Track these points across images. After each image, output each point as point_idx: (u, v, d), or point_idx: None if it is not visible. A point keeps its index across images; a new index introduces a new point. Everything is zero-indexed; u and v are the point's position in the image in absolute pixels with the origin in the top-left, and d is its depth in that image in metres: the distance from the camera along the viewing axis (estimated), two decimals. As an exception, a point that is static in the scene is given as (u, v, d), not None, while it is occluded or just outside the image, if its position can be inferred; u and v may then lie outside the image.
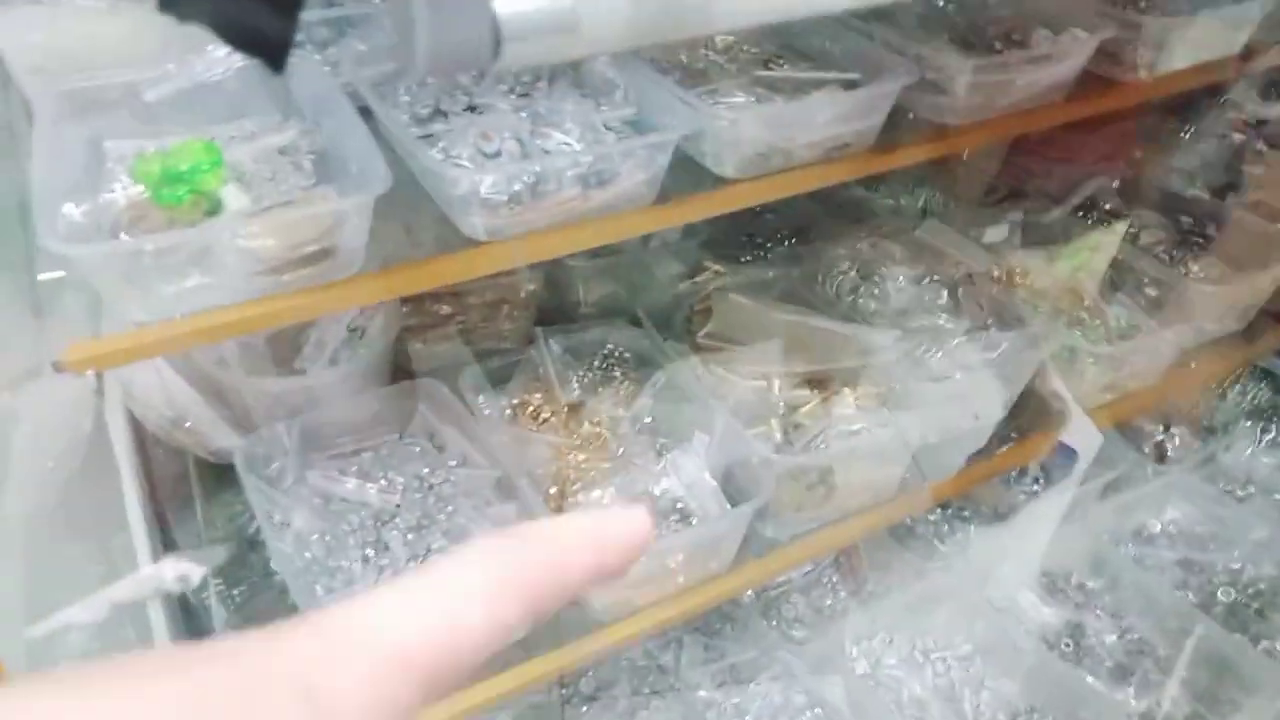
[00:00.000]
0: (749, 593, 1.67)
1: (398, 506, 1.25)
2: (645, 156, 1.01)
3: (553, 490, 1.27)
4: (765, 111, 1.06)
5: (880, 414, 1.35)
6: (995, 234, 1.79)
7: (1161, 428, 2.01)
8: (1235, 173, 2.06)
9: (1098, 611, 1.68)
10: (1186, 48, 1.35)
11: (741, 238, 1.76)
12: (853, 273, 1.52)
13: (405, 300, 1.47)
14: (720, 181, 1.09)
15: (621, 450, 1.34)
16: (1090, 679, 1.54)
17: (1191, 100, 2.17)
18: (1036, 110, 1.27)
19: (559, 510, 1.24)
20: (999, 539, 1.77)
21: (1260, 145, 2.04)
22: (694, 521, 1.23)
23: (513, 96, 1.07)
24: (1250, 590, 1.69)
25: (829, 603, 1.68)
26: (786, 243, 1.69)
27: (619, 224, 1.02)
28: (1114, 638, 1.63)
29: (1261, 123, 2.06)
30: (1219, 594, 1.68)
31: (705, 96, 1.10)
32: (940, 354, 1.44)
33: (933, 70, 1.19)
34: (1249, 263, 1.74)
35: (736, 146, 1.07)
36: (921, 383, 1.38)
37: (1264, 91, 2.05)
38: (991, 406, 1.50)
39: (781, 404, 1.35)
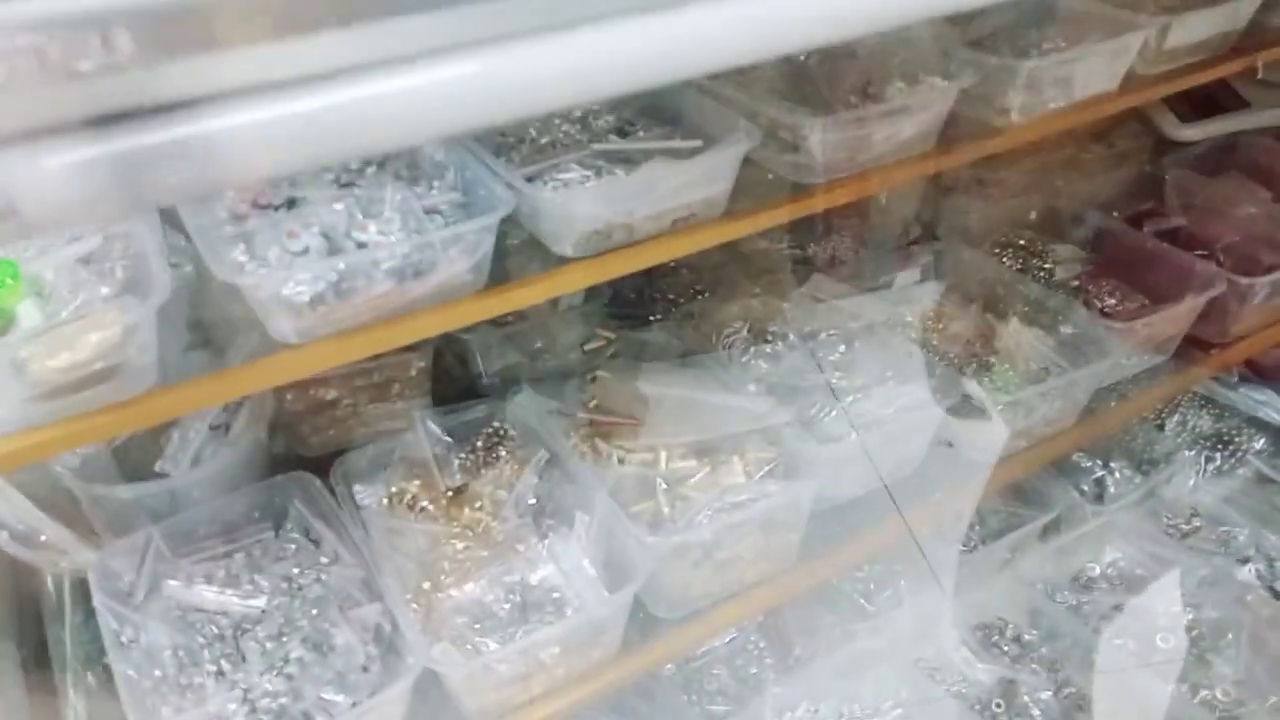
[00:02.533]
0: (669, 666, 1.60)
1: (262, 612, 1.19)
2: (469, 243, 0.97)
3: (425, 585, 1.22)
4: (595, 187, 1.01)
5: (767, 483, 1.29)
6: (906, 278, 1.75)
7: (1099, 464, 1.95)
8: (1156, 200, 2.02)
9: (1034, 666, 1.61)
10: (1058, 88, 1.32)
11: (650, 295, 1.72)
12: (744, 332, 1.47)
13: (289, 387, 1.43)
14: (560, 261, 1.05)
15: (503, 536, 1.28)
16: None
17: (1113, 127, 2.15)
18: (905, 161, 1.23)
19: (427, 608, 1.18)
20: (931, 595, 1.70)
21: (1178, 170, 2.01)
22: (569, 612, 1.17)
23: (335, 186, 1.03)
24: (1191, 634, 1.62)
25: (754, 671, 1.61)
26: (697, 298, 1.65)
27: (443, 316, 0.98)
28: (1049, 694, 1.56)
29: (1182, 146, 2.03)
30: (1158, 640, 1.60)
31: (545, 173, 1.07)
32: (834, 414, 1.39)
33: (785, 130, 1.15)
34: (1167, 293, 1.69)
35: (570, 224, 1.03)
36: (815, 446, 1.32)
37: (1183, 116, 2.01)
38: (894, 462, 1.45)
39: (666, 478, 1.30)
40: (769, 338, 1.46)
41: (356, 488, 1.32)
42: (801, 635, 1.65)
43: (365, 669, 1.13)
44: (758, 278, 1.65)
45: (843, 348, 1.47)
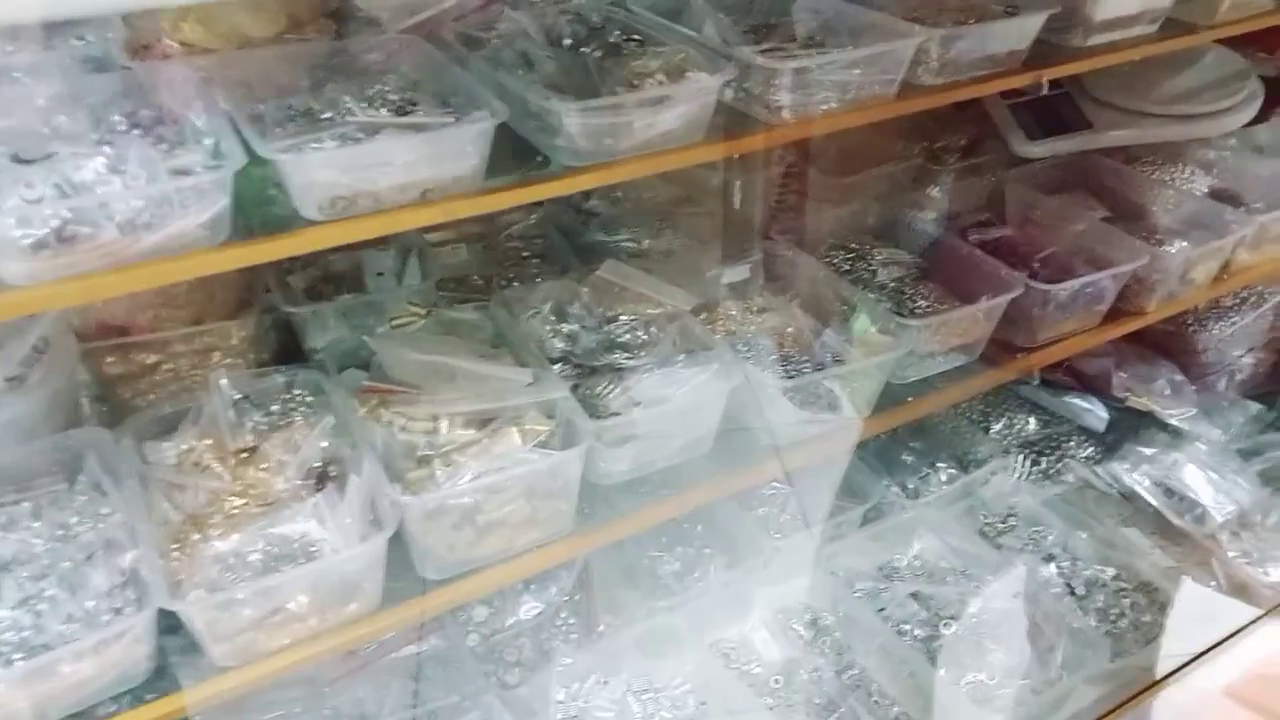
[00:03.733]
0: (473, 637, 1.66)
1: (34, 555, 1.24)
2: (204, 199, 1.03)
3: (194, 536, 1.27)
4: (327, 154, 1.08)
5: (556, 454, 1.35)
6: (735, 274, 1.83)
7: (926, 463, 2.03)
8: (995, 212, 2.11)
9: (824, 649, 1.68)
10: (832, 90, 1.39)
11: (480, 276, 1.79)
12: (547, 313, 1.53)
13: (108, 349, 1.48)
14: (306, 223, 1.11)
15: (283, 497, 1.34)
16: (793, 716, 1.53)
17: (974, 142, 2.24)
18: (671, 151, 1.30)
19: (191, 558, 1.23)
20: (741, 575, 1.77)
21: (1018, 185, 2.10)
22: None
23: (94, 144, 1.09)
24: (973, 622, 1.69)
25: (557, 644, 1.67)
26: (515, 281, 1.72)
27: (177, 266, 1.03)
28: (831, 674, 1.63)
29: (1025, 161, 2.11)
30: (941, 628, 1.67)
31: (304, 144, 1.13)
32: (618, 391, 1.45)
33: (549, 114, 1.22)
34: (976, 298, 1.77)
35: (311, 189, 1.09)
36: (589, 420, 1.38)
37: (1030, 131, 2.10)
38: (684, 441, 1.52)
39: (442, 445, 1.35)
40: (568, 318, 1.52)
41: (148, 444, 1.38)
42: (607, 613, 1.71)
43: (118, 610, 1.18)
44: (586, 265, 1.72)
45: (639, 331, 1.53)
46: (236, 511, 1.31)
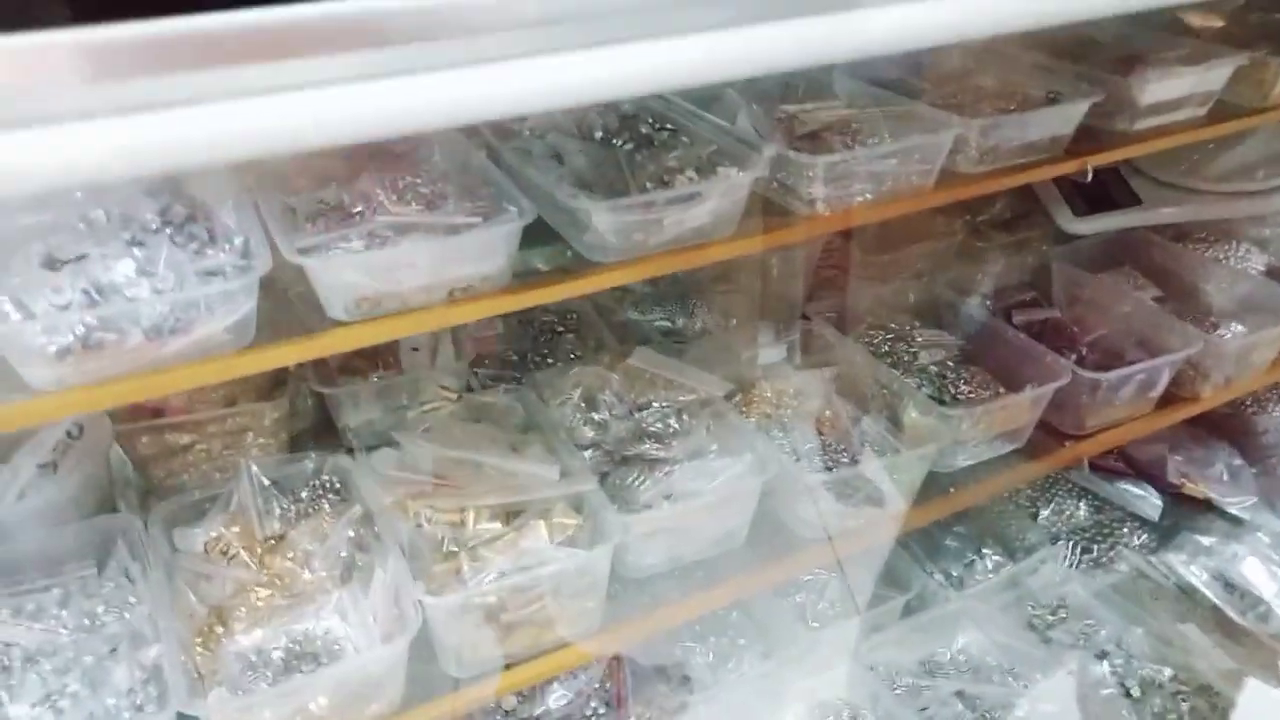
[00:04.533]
0: (498, 733, 1.62)
1: (56, 647, 1.24)
2: (231, 302, 1.04)
3: (218, 629, 1.26)
4: (351, 258, 1.08)
5: (566, 549, 1.33)
6: (771, 355, 1.80)
7: (971, 550, 1.96)
8: (1041, 291, 2.05)
9: (863, 750, 1.61)
10: (866, 181, 1.37)
11: (517, 356, 1.78)
12: (577, 399, 1.51)
13: (142, 430, 1.49)
14: (333, 324, 1.11)
15: (308, 588, 1.32)
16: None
17: (1018, 218, 2.20)
18: (701, 246, 1.28)
19: (215, 653, 1.22)
20: (775, 672, 1.71)
21: (1064, 264, 2.05)
22: (339, 662, 1.20)
23: (126, 244, 1.10)
24: (1023, 727, 1.61)
25: (584, 741, 1.63)
26: (545, 364, 1.71)
27: (201, 371, 1.04)
28: (871, 779, 1.56)
29: (1071, 239, 2.06)
30: (988, 731, 1.60)
31: (332, 242, 1.13)
32: (647, 484, 1.42)
33: (578, 212, 1.21)
34: (1021, 383, 1.71)
35: (336, 291, 1.09)
36: (616, 514, 1.36)
37: (1076, 207, 2.05)
38: (716, 534, 1.48)
39: (468, 540, 1.33)
40: (599, 406, 1.50)
41: (177, 531, 1.38)
42: (638, 705, 1.66)
43: (139, 708, 1.17)
44: (621, 347, 1.71)
45: (671, 420, 1.51)
46: (262, 604, 1.30)
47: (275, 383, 1.59)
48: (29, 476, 1.35)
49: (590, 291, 1.23)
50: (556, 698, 1.66)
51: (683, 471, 1.44)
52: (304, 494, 1.44)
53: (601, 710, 1.68)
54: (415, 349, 1.79)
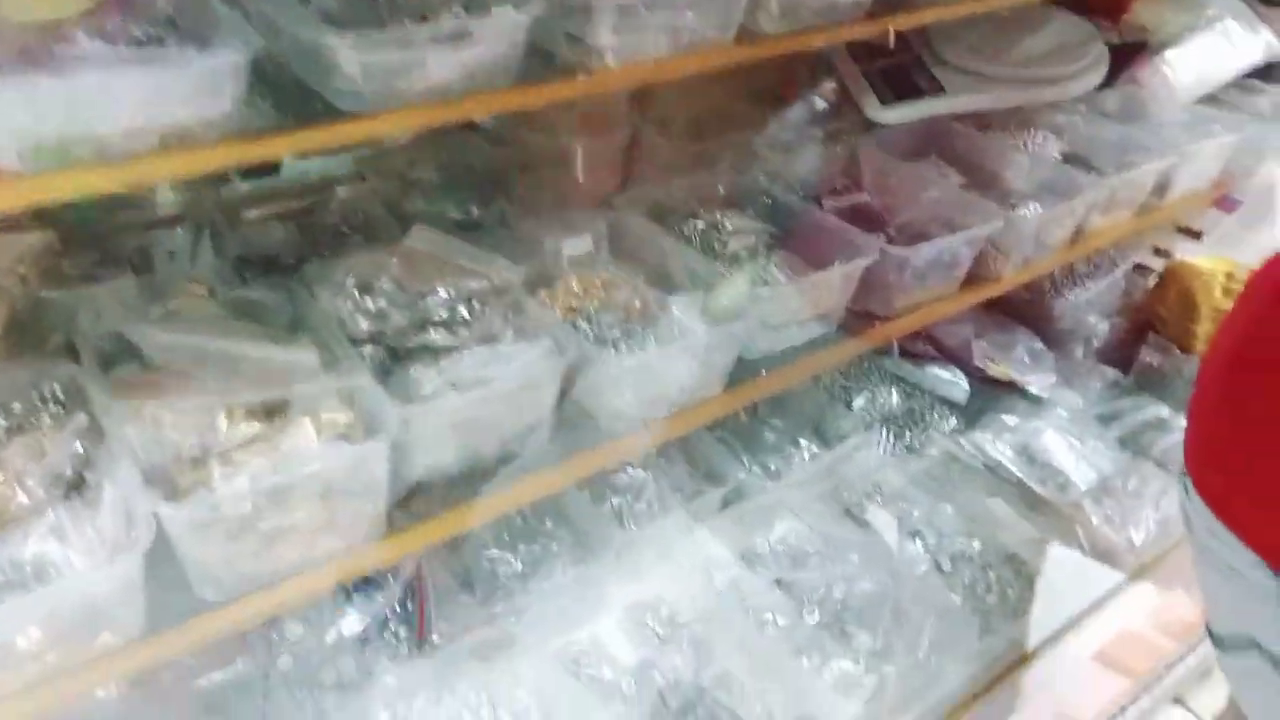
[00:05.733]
0: (284, 659, 1.46)
1: None
2: None
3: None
4: (37, 94, 0.87)
5: (353, 447, 1.17)
6: (576, 245, 1.68)
7: (788, 440, 1.93)
8: (852, 179, 2.02)
9: (682, 646, 1.55)
10: (660, 33, 1.26)
11: (288, 260, 1.59)
12: (351, 288, 1.34)
13: None
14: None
15: (22, 511, 1.11)
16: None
17: (831, 111, 2.16)
18: (473, 96, 1.14)
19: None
20: (591, 576, 1.62)
21: (872, 151, 2.02)
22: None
23: None
24: (838, 608, 1.59)
25: (384, 661, 1.49)
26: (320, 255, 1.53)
27: None
28: (689, 673, 1.50)
29: (880, 129, 2.03)
30: (805, 615, 1.57)
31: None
32: (433, 373, 1.28)
33: (322, 50, 1.04)
34: (830, 264, 1.67)
35: (10, 132, 0.88)
36: (397, 405, 1.21)
37: (883, 96, 2.01)
38: (513, 427, 1.36)
39: (221, 443, 1.16)
40: (376, 295, 1.34)
41: None
42: (442, 622, 1.54)
43: None
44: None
45: (460, 307, 1.36)
46: (-39, 532, 1.09)
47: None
48: None
49: (337, 145, 1.07)
50: (350, 622, 1.51)
51: (471, 357, 1.31)
52: (17, 407, 1.22)
53: (403, 633, 1.55)
54: (171, 253, 1.58)
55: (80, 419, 1.18)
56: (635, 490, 1.77)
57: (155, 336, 1.19)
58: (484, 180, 1.76)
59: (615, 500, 1.76)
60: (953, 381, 2.05)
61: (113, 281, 1.43)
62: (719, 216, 1.79)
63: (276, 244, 1.64)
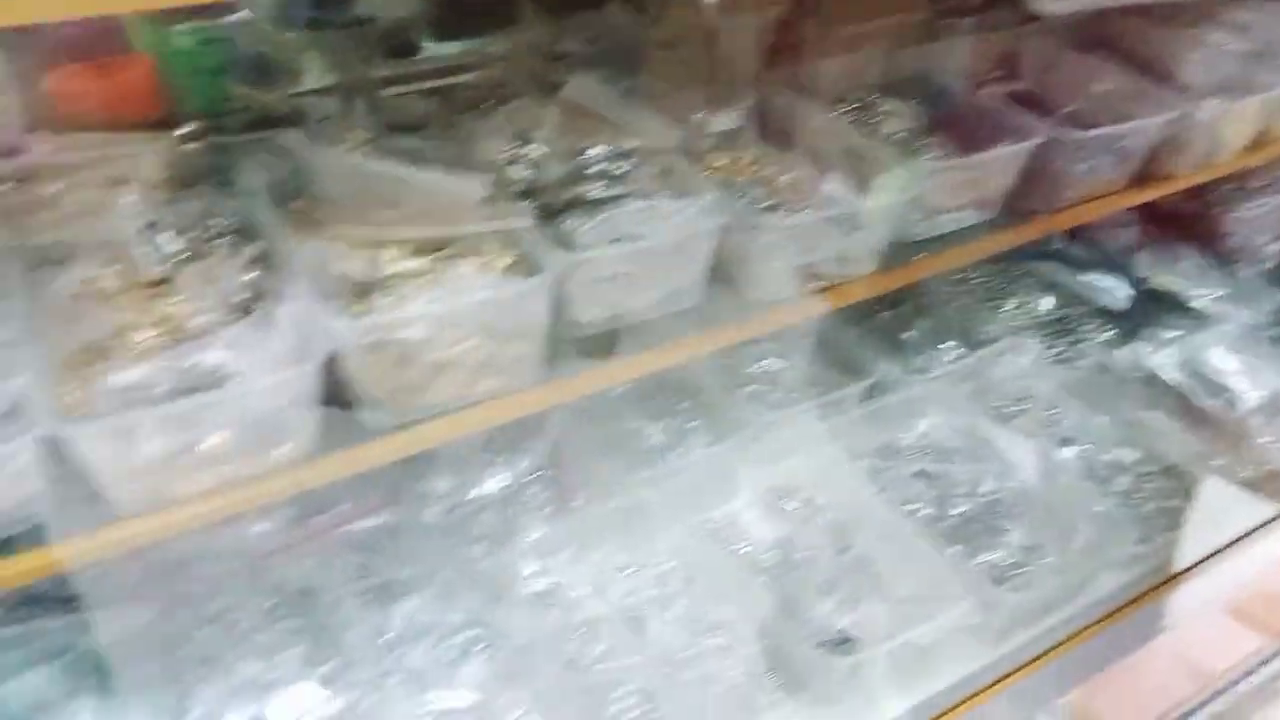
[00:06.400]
0: (432, 511, 1.50)
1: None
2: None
3: (93, 367, 1.09)
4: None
5: (520, 281, 1.18)
6: (725, 122, 1.64)
7: (931, 342, 1.86)
8: (1010, 69, 1.92)
9: (819, 525, 1.52)
10: None
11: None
12: (506, 138, 1.34)
13: None
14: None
15: (198, 331, 1.16)
16: (788, 596, 1.38)
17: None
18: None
19: (75, 392, 1.05)
20: (729, 450, 1.60)
21: (1036, 40, 1.91)
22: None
23: None
24: (985, 502, 1.53)
25: (525, 519, 1.51)
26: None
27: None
28: (829, 553, 1.47)
29: (1043, 21, 1.92)
30: (950, 508, 1.52)
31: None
32: (591, 225, 1.27)
33: None
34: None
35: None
36: (560, 252, 1.21)
37: (1052, -14, 1.89)
38: (665, 290, 1.34)
39: (387, 275, 1.17)
40: (530, 146, 1.33)
41: (41, 271, 1.20)
42: (583, 487, 1.55)
43: (-3, 443, 1.01)
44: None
45: (618, 163, 1.35)
46: (144, 345, 1.14)
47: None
48: None
49: None
50: (494, 481, 1.54)
51: (629, 212, 1.29)
52: (194, 234, 1.26)
53: (543, 495, 1.57)
54: (326, 117, 1.61)
55: (253, 249, 1.21)
56: (772, 379, 1.74)
57: (334, 160, 1.20)
58: (630, 56, 1.73)
59: (751, 388, 1.73)
60: (1112, 290, 1.93)
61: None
62: (871, 100, 1.73)
63: (425, 114, 1.65)
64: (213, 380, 1.06)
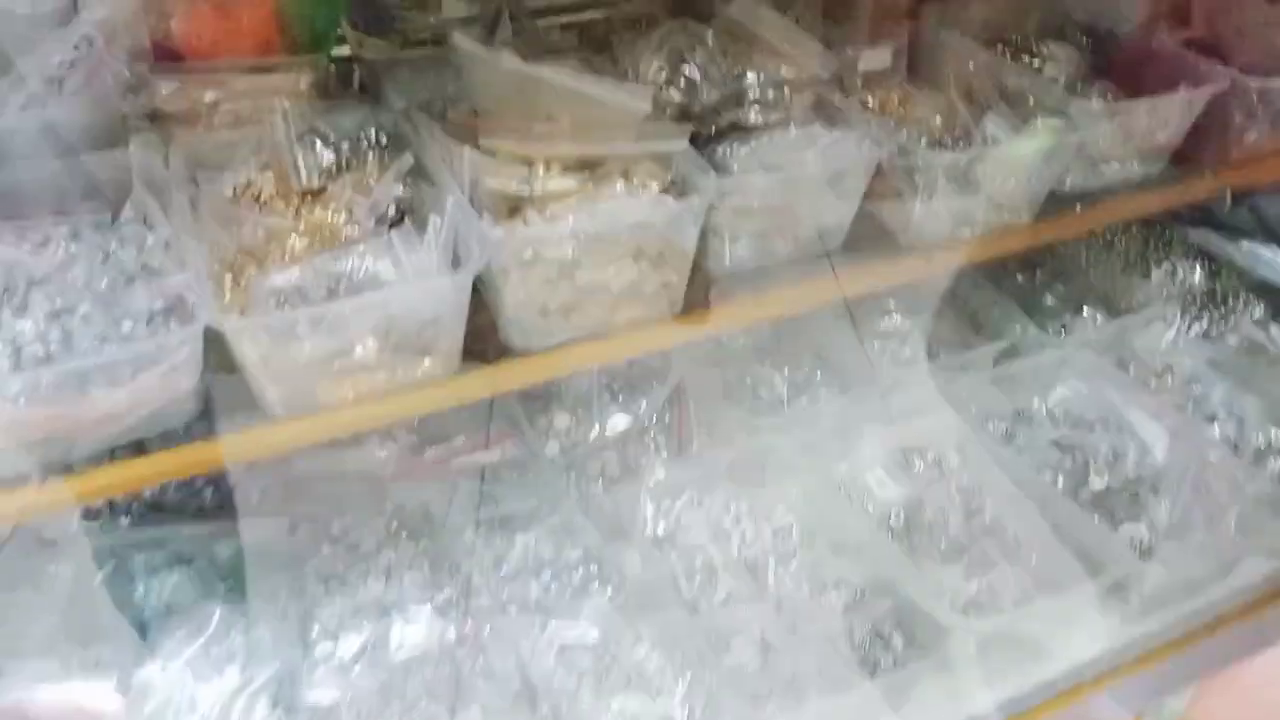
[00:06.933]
0: (552, 445, 1.48)
1: (69, 275, 1.07)
2: None
3: (250, 270, 1.09)
4: None
5: (675, 202, 1.14)
6: (874, 59, 1.56)
7: (1073, 306, 1.77)
8: (1179, 17, 1.79)
9: (951, 491, 1.46)
10: None
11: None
12: (662, 59, 1.29)
13: (161, 77, 1.29)
14: None
15: (351, 240, 1.15)
16: (915, 559, 1.33)
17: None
18: None
19: (246, 291, 1.04)
20: (854, 405, 1.55)
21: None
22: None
23: None
24: (1129, 476, 1.45)
25: (644, 462, 1.48)
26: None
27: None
28: (959, 516, 1.41)
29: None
30: (1092, 476, 1.44)
31: None
32: (745, 151, 1.22)
33: None
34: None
35: None
36: (713, 176, 1.16)
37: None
38: (813, 227, 1.29)
39: (539, 192, 1.15)
40: (689, 66, 1.28)
41: (202, 173, 1.20)
42: (702, 435, 1.52)
43: (154, 333, 1.01)
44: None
45: (771, 91, 1.29)
46: (299, 250, 1.13)
47: (314, 49, 1.40)
48: (35, 88, 1.17)
49: None
50: (615, 420, 1.51)
51: (783, 140, 1.23)
52: (346, 145, 1.25)
53: (661, 439, 1.54)
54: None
55: (405, 160, 1.20)
56: (901, 339, 1.68)
57: (498, 65, 1.17)
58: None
59: (879, 344, 1.67)
60: (1272, 262, 1.81)
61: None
62: (1032, 41, 1.63)
63: (571, 43, 1.61)
64: (365, 286, 1.05)
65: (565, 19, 1.70)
